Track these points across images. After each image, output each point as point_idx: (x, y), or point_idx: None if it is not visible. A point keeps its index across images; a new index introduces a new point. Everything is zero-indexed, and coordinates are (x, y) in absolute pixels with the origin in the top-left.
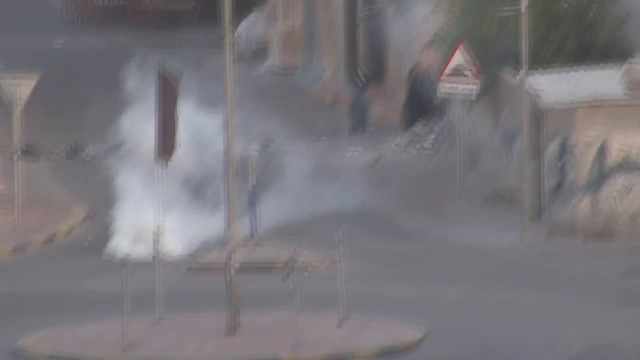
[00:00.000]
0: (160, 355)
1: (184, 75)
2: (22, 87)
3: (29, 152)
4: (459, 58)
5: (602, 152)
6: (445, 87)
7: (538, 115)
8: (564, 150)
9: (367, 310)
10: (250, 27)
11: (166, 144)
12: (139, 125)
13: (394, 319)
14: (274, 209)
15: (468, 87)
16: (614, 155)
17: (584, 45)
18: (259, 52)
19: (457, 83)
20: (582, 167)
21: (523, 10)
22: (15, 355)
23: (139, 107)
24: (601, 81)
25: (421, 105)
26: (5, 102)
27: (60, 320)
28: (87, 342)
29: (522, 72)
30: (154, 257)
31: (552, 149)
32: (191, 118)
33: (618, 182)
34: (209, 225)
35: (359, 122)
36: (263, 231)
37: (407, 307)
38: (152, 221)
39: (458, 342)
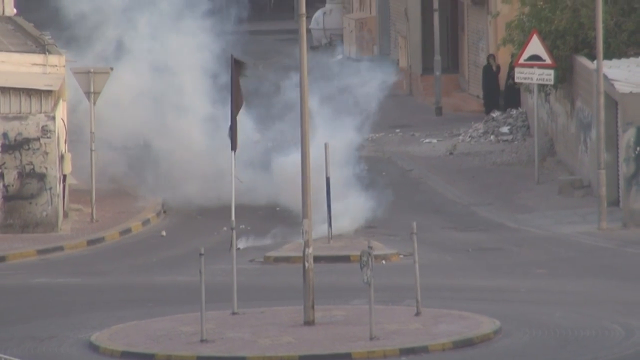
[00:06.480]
0: (236, 349)
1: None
2: (97, 80)
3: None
4: (534, 46)
5: None
6: (522, 74)
7: (613, 103)
8: (639, 137)
9: (442, 301)
10: (326, 16)
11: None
12: None
13: (470, 311)
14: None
15: (544, 73)
16: None
17: None
18: (334, 41)
19: (533, 69)
20: None
21: None
22: (89, 351)
23: None
24: None
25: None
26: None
27: (134, 315)
28: (161, 337)
29: (597, 60)
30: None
31: (627, 136)
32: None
33: None
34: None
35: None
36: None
37: (483, 298)
38: None
39: (535, 333)
